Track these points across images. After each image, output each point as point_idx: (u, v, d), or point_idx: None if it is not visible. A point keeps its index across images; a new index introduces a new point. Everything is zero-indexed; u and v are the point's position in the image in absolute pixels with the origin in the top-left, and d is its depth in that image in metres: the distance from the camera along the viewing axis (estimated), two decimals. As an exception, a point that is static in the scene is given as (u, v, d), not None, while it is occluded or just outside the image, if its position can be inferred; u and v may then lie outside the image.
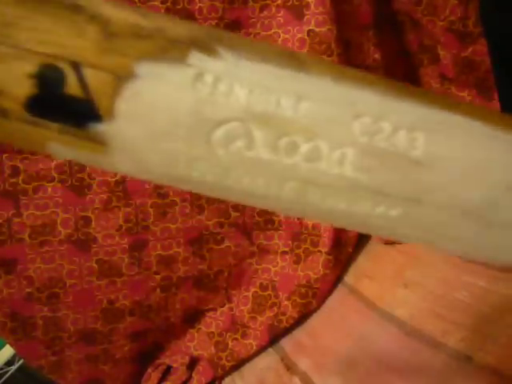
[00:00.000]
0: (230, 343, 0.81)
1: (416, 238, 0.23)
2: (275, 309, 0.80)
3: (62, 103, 0.17)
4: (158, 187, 0.76)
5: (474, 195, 0.20)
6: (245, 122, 0.19)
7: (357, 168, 0.20)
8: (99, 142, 0.18)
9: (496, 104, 0.77)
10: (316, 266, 0.78)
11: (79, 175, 0.74)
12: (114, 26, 0.18)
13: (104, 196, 0.75)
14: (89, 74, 0.17)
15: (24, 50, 0.17)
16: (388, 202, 0.20)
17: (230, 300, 0.83)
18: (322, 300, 0.79)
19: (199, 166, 0.19)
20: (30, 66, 0.17)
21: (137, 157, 0.19)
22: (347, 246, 0.79)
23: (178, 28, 0.20)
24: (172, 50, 0.18)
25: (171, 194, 0.77)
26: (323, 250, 0.78)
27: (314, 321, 0.79)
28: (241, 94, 0.19)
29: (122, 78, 0.18)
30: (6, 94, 0.18)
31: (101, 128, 0.18)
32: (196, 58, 0.18)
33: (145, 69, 0.18)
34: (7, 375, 0.97)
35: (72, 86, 0.17)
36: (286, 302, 0.79)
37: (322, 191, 0.20)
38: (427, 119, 0.20)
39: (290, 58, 0.21)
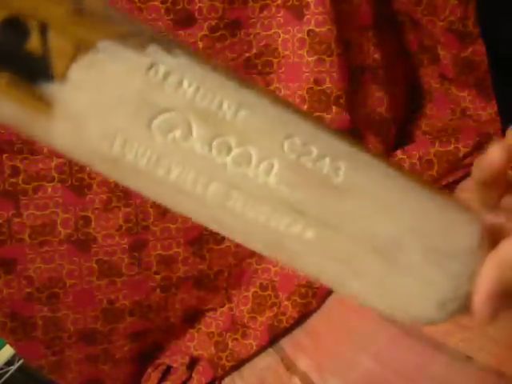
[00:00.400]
0: (230, 343, 0.81)
1: (321, 271, 0.24)
2: (275, 309, 0.80)
3: (19, 55, 0.18)
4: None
5: (382, 231, 0.21)
6: (186, 115, 0.20)
7: (281, 181, 0.21)
8: (45, 103, 0.18)
9: (496, 104, 0.77)
10: (316, 266, 0.78)
11: (79, 175, 0.74)
12: (90, 6, 0.20)
13: (104, 196, 0.75)
14: (53, 36, 0.18)
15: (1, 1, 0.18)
16: (305, 222, 0.21)
17: (230, 300, 0.83)
18: (321, 300, 0.79)
19: (134, 147, 0.20)
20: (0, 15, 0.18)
21: (77, 127, 0.20)
22: (347, 246, 0.79)
23: (146, 26, 0.23)
24: (135, 38, 0.20)
25: (171, 194, 0.77)
26: (323, 250, 0.78)
27: (314, 321, 0.78)
28: (188, 89, 0.20)
29: (82, 48, 0.19)
30: None
31: (50, 88, 0.18)
32: (154, 51, 0.20)
33: (106, 46, 0.19)
34: (7, 375, 0.96)
35: (34, 43, 0.18)
36: (285, 302, 0.79)
37: (245, 199, 0.21)
38: (351, 155, 0.22)
39: (235, 75, 0.23)
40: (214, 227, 0.24)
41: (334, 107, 0.74)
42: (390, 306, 0.24)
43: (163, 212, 0.77)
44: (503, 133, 0.64)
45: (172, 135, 0.20)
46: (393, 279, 0.22)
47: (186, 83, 0.20)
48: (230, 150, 0.20)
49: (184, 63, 0.21)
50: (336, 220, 0.21)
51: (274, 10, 0.75)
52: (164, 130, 0.20)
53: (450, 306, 0.23)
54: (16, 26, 0.18)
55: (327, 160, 0.21)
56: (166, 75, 0.20)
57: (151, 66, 0.20)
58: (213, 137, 0.20)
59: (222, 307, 0.84)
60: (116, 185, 0.76)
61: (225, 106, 0.20)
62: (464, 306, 0.24)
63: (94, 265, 0.76)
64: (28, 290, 0.74)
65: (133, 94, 0.19)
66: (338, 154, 0.22)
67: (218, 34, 0.75)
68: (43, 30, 0.18)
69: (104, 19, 0.20)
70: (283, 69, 0.76)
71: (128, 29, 0.21)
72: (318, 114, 0.75)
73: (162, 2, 0.73)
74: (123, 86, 0.19)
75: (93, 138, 0.20)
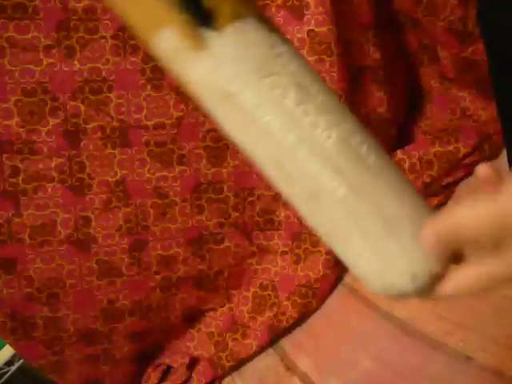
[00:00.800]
0: (230, 343, 0.81)
1: (335, 228, 0.29)
2: (275, 309, 0.80)
3: (199, 6, 0.25)
4: (158, 187, 0.76)
5: (389, 208, 0.27)
6: (288, 83, 0.27)
7: (334, 147, 0.27)
8: (201, 42, 0.25)
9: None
10: (316, 266, 0.78)
11: (79, 175, 0.74)
12: None
13: (104, 196, 0.75)
14: (223, 3, 0.25)
15: None
16: (340, 181, 0.27)
17: (230, 300, 0.83)
18: (321, 300, 0.79)
19: (247, 92, 0.26)
20: None
21: (215, 67, 0.26)
22: (347, 246, 0.79)
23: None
24: (268, 24, 0.28)
25: (171, 193, 0.77)
26: (323, 250, 0.78)
27: (314, 321, 0.79)
28: (291, 66, 0.28)
29: (237, 17, 0.25)
30: None
31: (209, 34, 0.25)
32: (275, 35, 0.28)
33: (252, 22, 0.26)
34: (7, 375, 0.97)
35: (211, 2, 0.25)
36: (285, 302, 0.79)
37: (309, 152, 0.27)
38: (379, 147, 0.29)
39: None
40: (272, 171, 0.28)
41: (333, 107, 0.74)
42: (375, 268, 0.28)
43: (163, 212, 0.78)
44: (504, 133, 0.64)
45: (275, 92, 0.26)
46: (386, 245, 0.27)
47: (292, 64, 0.27)
48: (308, 114, 0.26)
49: (290, 50, 0.28)
50: (361, 188, 0.27)
51: (274, 9, 0.75)
52: (270, 87, 0.26)
53: (420, 280, 0.27)
54: None
55: (365, 146, 0.27)
56: (280, 55, 0.27)
57: (273, 45, 0.27)
58: (300, 102, 0.26)
59: (222, 307, 0.84)
60: (116, 185, 0.76)
61: (313, 89, 0.27)
62: (432, 284, 0.28)
63: (94, 265, 0.76)
64: (28, 289, 0.74)
65: (258, 57, 0.26)
66: (372, 145, 0.28)
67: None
68: None
69: (254, 4, 0.28)
70: (283, 69, 0.76)
71: (265, 17, 0.28)
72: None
73: (161, 2, 0.73)
74: (253, 50, 0.26)
75: (222, 77, 0.26)
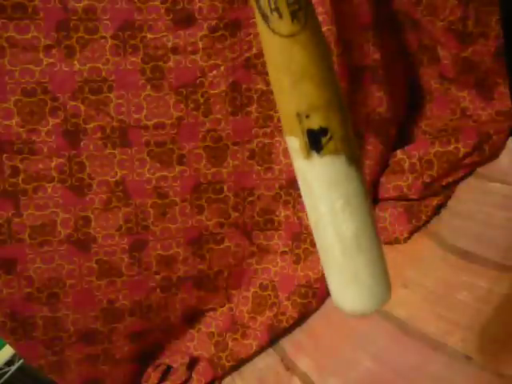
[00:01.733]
0: (230, 343, 0.81)
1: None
2: (275, 309, 0.80)
3: (317, 139, 0.35)
4: (158, 187, 0.76)
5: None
6: None
7: None
8: (309, 156, 0.35)
9: (496, 104, 0.77)
10: (316, 266, 0.78)
11: (79, 175, 0.74)
12: None
13: (104, 196, 0.75)
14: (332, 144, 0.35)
15: None
16: None
17: (229, 300, 0.83)
18: (321, 300, 0.79)
19: None
20: None
21: (309, 175, 0.37)
22: (347, 246, 0.79)
23: None
24: None
25: (171, 193, 0.77)
26: (323, 250, 0.77)
27: (314, 321, 0.79)
28: None
29: (336, 152, 0.35)
30: None
31: (315, 155, 0.35)
32: None
33: None
34: (7, 375, 0.97)
35: None
36: (285, 302, 0.79)
37: None
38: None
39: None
40: (315, 233, 0.38)
41: (333, 107, 0.74)
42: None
43: (163, 212, 0.78)
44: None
45: (336, 203, 0.36)
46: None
47: (353, 189, 0.36)
48: (343, 212, 0.36)
49: (360, 182, 0.37)
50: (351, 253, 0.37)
51: (273, 10, 0.75)
52: (336, 199, 0.36)
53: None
54: None
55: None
56: (350, 181, 0.36)
57: (349, 178, 0.36)
58: (344, 208, 0.36)
59: (222, 307, 0.84)
60: (116, 185, 0.76)
61: (354, 202, 0.36)
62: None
63: (94, 265, 0.76)
64: (28, 290, 0.74)
65: (335, 179, 0.36)
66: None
67: (218, 33, 0.75)
68: None
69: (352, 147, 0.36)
70: (283, 69, 0.76)
71: (356, 157, 0.37)
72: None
73: (161, 2, 0.73)
74: (334, 175, 0.36)
75: (312, 178, 0.36)
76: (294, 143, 0.35)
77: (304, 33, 0.32)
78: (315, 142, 0.34)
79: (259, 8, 0.32)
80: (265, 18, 0.32)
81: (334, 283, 0.39)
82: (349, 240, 0.36)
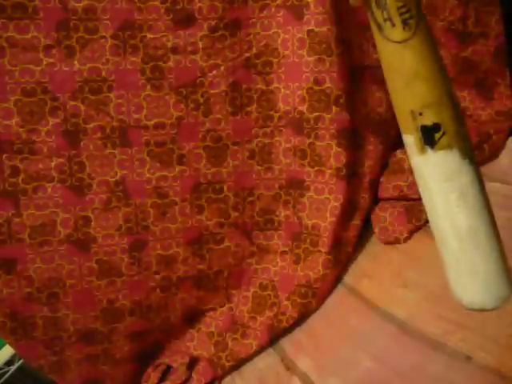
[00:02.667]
0: (230, 343, 0.81)
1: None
2: (275, 309, 0.80)
3: (431, 135, 0.36)
4: (157, 187, 0.76)
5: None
6: None
7: None
8: (423, 152, 0.37)
9: (496, 104, 0.77)
10: (316, 266, 0.78)
11: (79, 175, 0.74)
12: None
13: (104, 196, 0.75)
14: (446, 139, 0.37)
15: None
16: None
17: (229, 300, 0.83)
18: (321, 300, 0.79)
19: None
20: None
21: (424, 169, 0.38)
22: (347, 246, 0.79)
23: None
24: None
25: (171, 193, 0.77)
26: (323, 250, 0.78)
27: (314, 321, 0.79)
28: None
29: (449, 147, 0.36)
30: None
31: (429, 150, 0.36)
32: None
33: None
34: (7, 375, 0.97)
35: None
36: (285, 302, 0.79)
37: None
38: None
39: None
40: (430, 218, 0.39)
41: (333, 107, 0.75)
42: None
43: (163, 212, 0.78)
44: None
45: (451, 195, 0.37)
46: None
47: (467, 180, 0.37)
48: (458, 206, 0.37)
49: (474, 174, 0.37)
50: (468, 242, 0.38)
51: (273, 9, 0.75)
52: (450, 191, 0.37)
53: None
54: None
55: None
56: (463, 175, 0.37)
57: (461, 171, 0.37)
58: (458, 204, 0.37)
59: (221, 307, 0.84)
60: (116, 185, 0.76)
61: (469, 193, 0.37)
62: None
63: (94, 265, 0.76)
64: (28, 289, 0.74)
65: (449, 174, 0.37)
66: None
67: (218, 33, 0.75)
68: None
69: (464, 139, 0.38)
70: (283, 68, 0.77)
71: (468, 149, 0.38)
72: (317, 113, 0.76)
73: (161, 2, 0.73)
74: (448, 170, 0.37)
75: (428, 174, 0.38)
76: (410, 140, 0.37)
77: (414, 38, 0.35)
78: (429, 137, 0.36)
79: (374, 18, 0.36)
80: (379, 26, 0.36)
81: (453, 276, 0.39)
82: (465, 233, 0.37)
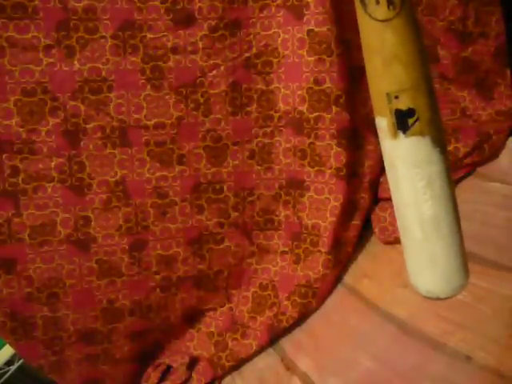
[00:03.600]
0: (230, 343, 0.81)
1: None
2: (275, 309, 0.80)
3: (404, 121, 0.36)
4: (157, 187, 0.76)
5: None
6: None
7: None
8: (395, 136, 0.36)
9: (496, 103, 0.77)
10: (316, 266, 0.78)
11: (79, 175, 0.74)
12: None
13: (104, 196, 0.75)
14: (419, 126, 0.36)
15: None
16: None
17: (229, 300, 0.83)
18: (321, 300, 0.79)
19: None
20: None
21: (393, 153, 0.38)
22: (347, 246, 0.79)
23: None
24: None
25: (171, 193, 0.77)
26: (323, 250, 0.78)
27: (314, 321, 0.79)
28: None
29: (421, 133, 0.36)
30: None
31: (401, 135, 0.36)
32: None
33: None
34: (7, 375, 0.96)
35: None
36: (285, 302, 0.79)
37: None
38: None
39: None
40: (397, 211, 0.38)
41: (333, 107, 0.75)
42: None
43: (163, 212, 0.78)
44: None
45: (418, 183, 0.37)
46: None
47: (435, 172, 0.37)
48: (424, 194, 0.37)
49: (442, 162, 0.37)
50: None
51: (273, 9, 0.75)
52: (418, 180, 0.37)
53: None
54: None
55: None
56: (432, 164, 0.37)
57: (430, 159, 0.37)
58: (425, 191, 0.37)
59: (221, 307, 0.84)
60: (116, 185, 0.76)
61: (436, 183, 0.36)
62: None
63: (94, 265, 0.76)
64: (28, 289, 0.74)
65: (419, 160, 0.37)
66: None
67: (218, 33, 0.75)
68: None
69: (437, 128, 0.38)
70: (283, 68, 0.77)
71: (440, 137, 0.38)
72: (317, 113, 0.76)
73: (161, 2, 0.73)
74: (418, 155, 0.36)
75: (397, 158, 0.37)
76: (382, 123, 0.37)
77: (398, 18, 0.35)
78: (402, 122, 0.36)
79: None
80: (363, 3, 0.36)
81: (412, 264, 0.39)
82: (428, 221, 0.37)
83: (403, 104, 0.35)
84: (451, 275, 0.38)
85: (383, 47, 0.35)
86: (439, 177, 0.37)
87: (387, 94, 0.36)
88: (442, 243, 0.37)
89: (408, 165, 0.37)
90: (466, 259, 0.38)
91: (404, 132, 0.36)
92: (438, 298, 0.38)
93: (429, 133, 0.36)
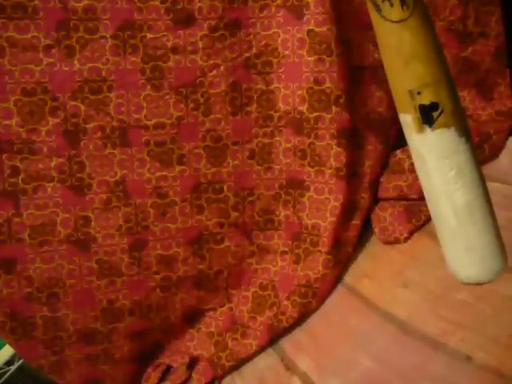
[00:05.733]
0: (230, 343, 0.81)
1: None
2: (275, 309, 0.80)
3: (429, 114, 0.37)
4: (157, 187, 0.76)
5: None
6: None
7: None
8: (421, 130, 0.37)
9: (496, 104, 0.77)
10: (316, 266, 0.78)
11: (79, 175, 0.74)
12: None
13: (104, 196, 0.75)
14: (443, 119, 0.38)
15: None
16: None
17: (229, 300, 0.83)
18: (321, 300, 0.79)
19: None
20: None
21: (421, 148, 0.39)
22: (347, 246, 0.79)
23: None
24: None
25: (171, 193, 0.77)
26: (323, 250, 0.78)
27: (314, 321, 0.79)
28: None
29: (446, 125, 0.38)
30: None
31: (427, 129, 0.37)
32: None
33: None
34: (7, 375, 0.97)
35: None
36: (285, 302, 0.79)
37: None
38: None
39: None
40: (428, 202, 0.39)
41: (333, 107, 0.75)
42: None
43: (163, 212, 0.78)
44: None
45: (449, 173, 0.37)
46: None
47: (464, 159, 0.38)
48: (456, 183, 0.38)
49: (470, 152, 0.38)
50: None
51: (273, 9, 0.75)
52: (448, 169, 0.38)
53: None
54: None
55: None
56: (460, 153, 0.38)
57: (458, 149, 0.38)
58: (456, 180, 0.38)
59: (221, 307, 0.84)
60: (116, 185, 0.76)
61: (467, 171, 0.38)
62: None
63: (94, 265, 0.76)
64: (28, 289, 0.74)
65: (447, 152, 0.38)
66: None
67: (218, 33, 0.75)
68: None
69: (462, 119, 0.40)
70: (283, 68, 0.77)
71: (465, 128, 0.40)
72: (317, 113, 0.76)
73: (161, 2, 0.73)
74: (446, 147, 0.38)
75: (424, 152, 0.38)
76: (407, 119, 0.38)
77: (413, 18, 0.36)
78: (427, 116, 0.37)
79: None
80: (377, 7, 0.37)
81: (449, 252, 0.40)
82: (461, 209, 0.38)
83: (426, 99, 0.37)
84: (489, 259, 0.38)
85: (401, 47, 0.37)
86: (468, 165, 0.38)
87: (409, 91, 0.37)
88: (477, 228, 0.38)
89: (437, 157, 0.38)
90: (502, 242, 0.39)
91: (430, 126, 0.37)
92: (478, 283, 0.39)
93: (453, 124, 0.37)
